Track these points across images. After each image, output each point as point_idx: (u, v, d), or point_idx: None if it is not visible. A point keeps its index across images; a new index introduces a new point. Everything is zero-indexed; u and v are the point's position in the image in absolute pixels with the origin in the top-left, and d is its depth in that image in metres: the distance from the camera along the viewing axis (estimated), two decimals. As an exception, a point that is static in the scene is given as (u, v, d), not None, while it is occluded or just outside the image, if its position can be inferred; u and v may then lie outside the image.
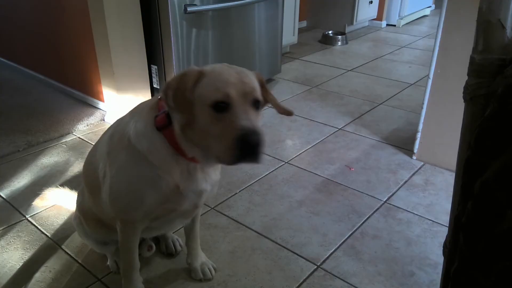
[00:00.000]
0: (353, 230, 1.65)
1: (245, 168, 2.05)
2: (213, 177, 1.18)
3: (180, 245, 1.54)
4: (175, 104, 0.98)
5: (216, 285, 1.39)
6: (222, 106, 0.95)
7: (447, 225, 1.11)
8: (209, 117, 0.96)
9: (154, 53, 2.47)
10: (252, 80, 1.03)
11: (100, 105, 2.65)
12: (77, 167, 2.06)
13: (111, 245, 1.40)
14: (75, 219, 1.44)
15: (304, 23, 4.70)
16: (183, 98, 0.97)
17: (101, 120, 2.53)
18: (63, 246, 1.56)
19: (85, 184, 1.34)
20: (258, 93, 1.01)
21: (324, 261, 1.50)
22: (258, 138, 0.94)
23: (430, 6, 5.41)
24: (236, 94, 0.96)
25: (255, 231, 1.64)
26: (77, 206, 1.42)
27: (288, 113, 1.13)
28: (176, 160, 1.07)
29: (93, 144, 2.28)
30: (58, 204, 1.76)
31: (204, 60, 2.53)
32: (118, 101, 2.42)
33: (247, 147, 0.93)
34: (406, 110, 2.69)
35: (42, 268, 1.46)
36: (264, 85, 1.08)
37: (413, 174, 2.02)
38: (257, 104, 1.00)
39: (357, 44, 4.18)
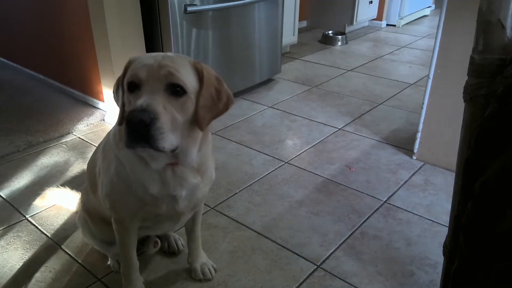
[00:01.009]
0: (353, 230, 1.65)
1: (245, 168, 2.05)
2: (192, 181, 1.11)
3: (182, 244, 1.54)
4: (115, 96, 1.06)
5: (216, 285, 1.39)
6: (133, 86, 0.95)
7: (447, 225, 1.11)
8: (127, 99, 0.98)
9: (154, 53, 2.47)
10: (177, 65, 0.96)
11: (100, 105, 2.65)
12: (77, 167, 2.06)
13: (115, 245, 1.40)
14: (80, 219, 1.44)
15: (304, 23, 4.70)
16: (117, 88, 1.03)
17: (101, 120, 2.53)
18: (63, 246, 1.56)
19: (88, 182, 1.35)
20: (177, 78, 0.94)
21: (324, 261, 1.50)
22: (140, 115, 0.88)
23: (430, 6, 5.41)
24: (147, 75, 0.93)
25: (255, 231, 1.64)
26: (82, 205, 1.42)
27: (199, 125, 1.00)
28: (142, 161, 1.06)
29: (93, 144, 2.29)
30: (58, 204, 1.75)
31: (205, 60, 2.53)
32: (118, 101, 2.42)
33: (132, 126, 0.89)
34: (406, 110, 2.69)
35: (42, 268, 1.46)
36: (202, 77, 0.99)
37: (413, 174, 2.02)
38: (176, 89, 0.94)
39: (357, 44, 4.18)
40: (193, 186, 1.13)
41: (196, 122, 0.99)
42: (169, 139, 0.93)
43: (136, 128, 0.89)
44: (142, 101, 0.90)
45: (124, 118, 0.91)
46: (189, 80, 0.97)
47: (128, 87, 0.97)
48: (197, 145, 1.06)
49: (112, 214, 1.20)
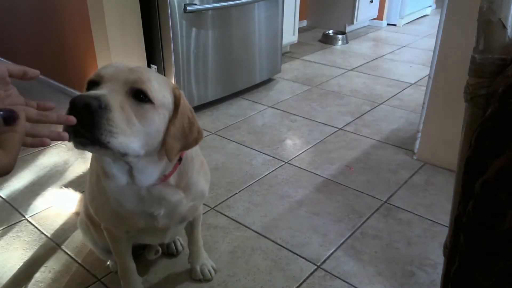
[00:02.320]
0: (353, 230, 1.65)
1: (245, 168, 2.04)
2: (172, 198, 1.04)
3: (181, 245, 1.54)
4: None
5: (216, 285, 1.39)
6: (92, 84, 0.85)
7: (447, 225, 1.10)
8: None
9: (154, 53, 2.47)
10: (152, 76, 0.87)
11: (100, 105, 2.64)
12: (77, 167, 2.05)
13: None
14: (81, 224, 1.41)
15: (304, 23, 4.70)
16: None
17: (101, 120, 2.53)
18: (63, 246, 1.56)
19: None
20: (146, 86, 0.84)
21: (324, 261, 1.49)
22: (87, 99, 0.74)
23: (430, 6, 5.40)
24: (111, 74, 0.84)
25: (255, 231, 1.64)
26: (84, 210, 1.38)
27: (168, 155, 0.92)
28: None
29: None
30: (60, 204, 1.75)
31: (204, 60, 2.53)
32: (118, 101, 2.42)
33: (74, 109, 0.74)
34: (406, 110, 2.69)
35: (42, 268, 1.46)
36: (179, 105, 0.92)
37: (413, 174, 2.01)
38: (141, 97, 0.84)
39: (357, 44, 4.18)
40: (173, 204, 1.06)
41: (165, 151, 0.91)
42: (120, 139, 0.79)
43: (79, 113, 0.73)
44: (96, 91, 0.80)
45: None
46: (160, 94, 0.87)
47: (87, 86, 0.86)
48: (159, 170, 0.97)
49: (99, 222, 1.19)
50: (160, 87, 0.89)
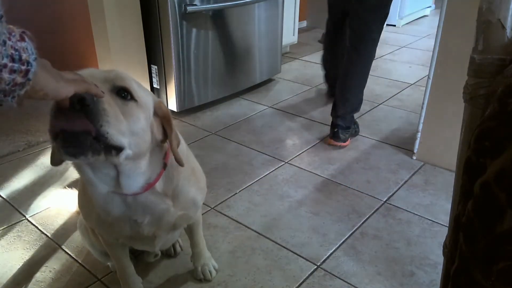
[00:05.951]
0: (353, 230, 1.65)
1: (245, 168, 2.05)
2: (158, 207, 1.02)
3: (180, 246, 1.54)
4: None
5: (216, 285, 1.40)
6: None
7: (447, 225, 1.11)
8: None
9: (154, 53, 2.47)
10: (127, 75, 0.86)
11: (100, 105, 2.65)
12: (77, 167, 2.06)
13: None
14: (80, 227, 1.40)
15: (304, 23, 4.70)
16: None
17: (101, 120, 2.53)
18: (63, 246, 1.56)
19: None
20: (129, 85, 0.83)
21: (324, 261, 1.50)
22: (79, 95, 0.71)
23: (430, 6, 5.40)
24: (88, 75, 0.81)
25: (255, 231, 1.64)
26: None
27: (179, 163, 0.97)
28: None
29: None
30: (60, 204, 1.75)
31: (204, 60, 2.53)
32: (118, 101, 2.42)
33: (70, 103, 0.71)
34: (406, 110, 2.69)
35: (42, 268, 1.46)
36: (168, 118, 0.94)
37: (413, 174, 2.02)
38: (123, 95, 0.82)
39: (357, 44, 4.17)
40: (159, 212, 1.04)
41: (177, 162, 0.97)
42: (115, 131, 0.77)
43: (74, 105, 0.71)
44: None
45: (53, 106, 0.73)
46: (141, 94, 0.87)
47: None
48: (144, 177, 0.94)
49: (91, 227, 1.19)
50: (139, 88, 0.88)
